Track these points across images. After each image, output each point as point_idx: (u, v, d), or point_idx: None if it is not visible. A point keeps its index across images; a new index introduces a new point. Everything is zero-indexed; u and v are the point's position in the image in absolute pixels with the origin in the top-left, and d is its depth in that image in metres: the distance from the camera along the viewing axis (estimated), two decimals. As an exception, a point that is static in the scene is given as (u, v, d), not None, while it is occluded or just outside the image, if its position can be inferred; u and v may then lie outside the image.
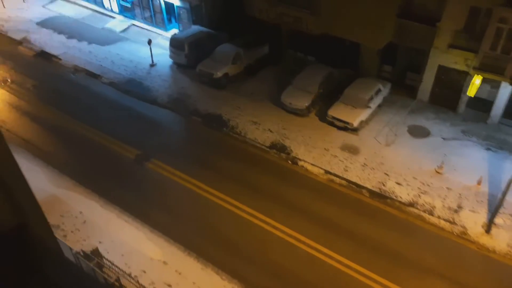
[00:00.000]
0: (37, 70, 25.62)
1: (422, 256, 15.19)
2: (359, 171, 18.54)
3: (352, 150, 19.71)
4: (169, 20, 28.85)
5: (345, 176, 18.35)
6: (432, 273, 14.62)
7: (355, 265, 14.91)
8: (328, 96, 21.93)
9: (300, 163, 19.15)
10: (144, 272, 14.98)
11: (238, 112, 22.05)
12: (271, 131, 20.82)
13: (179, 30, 28.10)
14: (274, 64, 25.35)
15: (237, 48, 24.55)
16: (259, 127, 21.10)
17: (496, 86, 20.01)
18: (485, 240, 15.60)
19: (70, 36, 28.65)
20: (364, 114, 20.63)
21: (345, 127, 20.55)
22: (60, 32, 29.08)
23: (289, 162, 19.31)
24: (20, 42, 28.02)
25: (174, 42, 25.24)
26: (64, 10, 31.84)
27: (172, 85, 24.33)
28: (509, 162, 18.62)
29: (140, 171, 18.99)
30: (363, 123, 20.71)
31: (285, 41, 25.56)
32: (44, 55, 26.91)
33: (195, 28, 26.35)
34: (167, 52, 25.87)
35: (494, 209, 15.81)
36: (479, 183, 17.73)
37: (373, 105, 21.14)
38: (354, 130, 20.50)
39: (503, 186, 15.56)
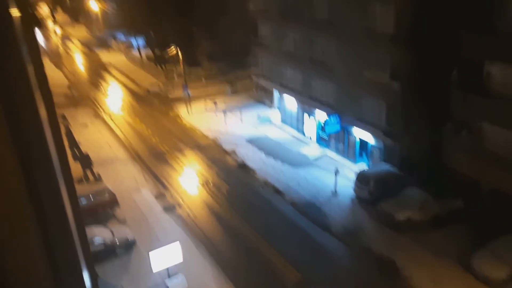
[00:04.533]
0: (234, 179, 29.14)
1: None
2: None
3: None
4: (360, 155, 29.79)
5: None
6: None
7: None
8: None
9: None
10: None
11: (416, 264, 20.03)
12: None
13: (368, 166, 28.61)
14: (468, 221, 22.72)
15: (426, 194, 23.32)
16: (437, 287, 18.62)
17: None
18: None
19: (268, 154, 32.18)
20: None
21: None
22: (261, 150, 33.01)
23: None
24: (228, 153, 32.77)
25: (361, 177, 25.63)
26: (270, 132, 36.41)
27: (349, 217, 24.19)
28: None
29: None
30: None
31: (484, 199, 23.07)
32: (243, 167, 30.65)
33: (384, 166, 26.44)
34: (351, 184, 26.33)
35: None
36: None
37: None
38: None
39: None
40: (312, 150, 32.64)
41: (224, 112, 38.86)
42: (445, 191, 23.90)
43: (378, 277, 19.58)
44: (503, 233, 20.12)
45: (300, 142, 34.23)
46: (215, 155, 32.67)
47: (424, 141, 26.04)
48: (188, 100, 41.60)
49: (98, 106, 44.72)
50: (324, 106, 31.41)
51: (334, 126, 30.10)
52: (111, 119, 40.83)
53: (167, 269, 17.96)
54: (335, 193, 26.49)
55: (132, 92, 48.84)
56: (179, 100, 43.86)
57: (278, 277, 19.81)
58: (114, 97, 47.65)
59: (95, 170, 28.88)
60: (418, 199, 23.06)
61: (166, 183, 28.79)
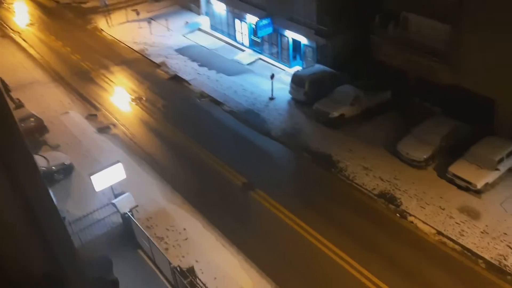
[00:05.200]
0: (168, 92, 28.24)
1: None
2: (477, 238, 16.62)
3: (472, 213, 17.80)
4: (294, 57, 29.77)
5: (460, 241, 16.58)
6: None
7: None
8: (450, 151, 20.29)
9: (410, 218, 17.85)
10: (233, 299, 15.09)
11: (349, 155, 21.53)
12: (381, 180, 19.86)
13: (302, 67, 28.78)
14: (395, 111, 24.37)
15: (357, 90, 24.24)
16: (369, 173, 20.29)
17: None
18: None
19: (201, 64, 31.16)
20: (491, 176, 18.61)
21: (467, 188, 18.70)
22: (193, 60, 31.80)
23: (397, 215, 18.12)
24: (158, 66, 31.27)
25: (296, 79, 25.87)
26: (200, 40, 34.88)
27: (287, 120, 24.83)
28: None
29: (244, 199, 19.48)
30: (488, 186, 18.65)
31: (410, 89, 24.52)
32: (176, 79, 29.60)
33: (318, 66, 26.74)
34: (288, 87, 26.61)
35: None
36: None
37: (503, 167, 18.97)
38: (477, 192, 18.55)
39: None
40: (246, 56, 32.01)
41: (149, 21, 36.27)
42: (375, 84, 25.00)
43: (317, 171, 20.85)
44: (425, 118, 21.83)
45: (233, 49, 33.31)
46: (145, 69, 31.08)
47: (354, 37, 26.42)
48: (106, 10, 38.07)
49: (3, 23, 39.73)
50: (254, 8, 30.25)
51: (266, 28, 29.38)
52: (21, 37, 36.66)
53: (113, 189, 17.71)
54: (272, 97, 26.72)
55: (39, 5, 43.61)
56: (95, 11, 40.07)
57: (224, 183, 20.41)
58: (20, 13, 42.36)
59: (13, 95, 26.49)
60: (350, 95, 23.96)
61: (95, 103, 27.27)
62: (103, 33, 36.84)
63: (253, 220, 18.36)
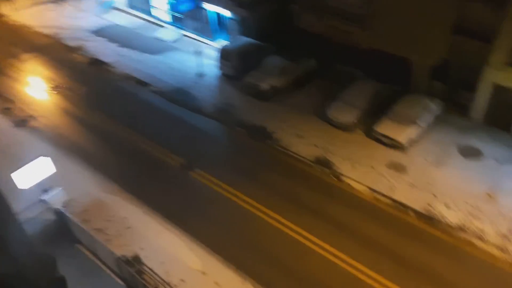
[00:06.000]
0: (89, 77, 26.67)
1: (470, 284, 14.36)
2: (406, 191, 17.91)
3: (399, 168, 19.09)
4: (219, 32, 29.31)
5: (391, 195, 17.76)
6: (482, 304, 13.82)
7: (398, 289, 14.34)
8: (376, 112, 21.42)
9: (345, 179, 18.75)
10: (183, 281, 15.07)
11: (283, 125, 21.94)
12: (315, 146, 20.55)
13: (228, 41, 28.47)
14: (322, 78, 25.11)
15: (285, 60, 24.54)
16: (304, 141, 20.89)
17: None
18: (542, 272, 14.60)
19: (122, 45, 29.68)
20: (413, 132, 19.98)
21: (393, 145, 19.95)
22: (113, 41, 30.18)
23: (333, 178, 18.95)
24: (75, 50, 29.31)
25: (223, 53, 25.57)
26: (118, 19, 33.09)
27: (218, 96, 24.61)
28: None
29: (183, 180, 19.24)
30: (411, 141, 20.04)
31: (333, 55, 25.28)
32: (97, 63, 28.00)
33: (244, 39, 26.60)
34: (215, 62, 26.25)
35: (554, 239, 14.79)
36: (536, 210, 16.66)
37: (423, 123, 20.42)
38: (402, 148, 19.86)
39: None
40: (168, 33, 30.96)
41: (58, 2, 33.64)
42: (300, 53, 25.48)
43: (254, 144, 21.06)
44: (350, 83, 22.75)
45: (154, 26, 32.04)
46: (60, 54, 28.97)
47: (276, 8, 26.51)
48: (8, -7, 34.73)
49: None
50: (171, -17, 29.19)
51: (187, 3, 28.56)
52: None
53: (42, 185, 16.63)
54: (200, 74, 26.25)
55: None
56: (-5, -6, 36.38)
57: (161, 166, 19.97)
58: None
59: None
60: (279, 66, 24.23)
61: (8, 96, 25.09)
62: (7, 18, 33.63)
63: (195, 199, 18.25)
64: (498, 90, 20.19)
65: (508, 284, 14.46)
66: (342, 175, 18.92)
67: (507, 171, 18.52)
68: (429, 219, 16.76)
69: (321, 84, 24.77)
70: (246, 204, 17.84)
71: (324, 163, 19.54)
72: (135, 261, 15.41)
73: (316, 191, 18.27)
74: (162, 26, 31.82)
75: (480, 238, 15.82)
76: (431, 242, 15.94)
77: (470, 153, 19.70)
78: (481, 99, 20.88)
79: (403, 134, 19.78)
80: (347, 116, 21.22)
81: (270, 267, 15.36)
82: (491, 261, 15.18)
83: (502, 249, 15.39)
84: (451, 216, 16.68)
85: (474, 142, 20.22)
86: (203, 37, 29.80)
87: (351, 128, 21.29)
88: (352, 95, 21.93)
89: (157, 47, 29.38)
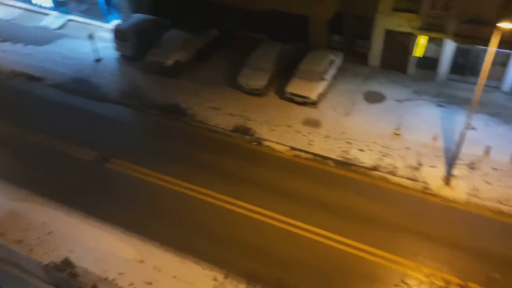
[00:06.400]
0: (-29, 80, 23.85)
1: (391, 215, 15.75)
2: (322, 143, 18.82)
3: (314, 123, 19.93)
4: (109, 11, 27.56)
5: (310, 150, 18.56)
6: (402, 230, 15.22)
7: (330, 234, 15.23)
8: (284, 73, 21.92)
9: (265, 143, 19.15)
10: (122, 274, 14.64)
11: (196, 100, 21.62)
12: (232, 115, 20.61)
13: (121, 20, 26.93)
14: (226, 47, 24.91)
15: (185, 33, 23.89)
16: (220, 112, 20.83)
17: (440, 44, 20.73)
18: (446, 192, 16.39)
19: (3, 39, 26.75)
20: (321, 87, 20.83)
21: (305, 102, 20.69)
22: (-10, 36, 27.12)
23: (254, 143, 19.26)
24: None
25: (118, 33, 24.19)
26: (-9, 11, 29.65)
27: (122, 79, 23.42)
28: (459, 115, 19.49)
29: (101, 173, 18.29)
30: (321, 96, 20.93)
31: (234, 22, 25.13)
32: (-24, 63, 25.04)
33: (138, 16, 25.31)
34: (112, 44, 24.79)
35: (451, 161, 16.62)
36: (434, 139, 18.49)
37: (329, 76, 21.36)
38: (314, 104, 20.69)
39: (456, 138, 16.33)
40: (53, 19, 28.46)
41: None
42: (201, 24, 24.97)
43: (170, 124, 20.57)
44: (255, 47, 22.90)
45: (36, 15, 29.20)
46: None
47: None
48: None
49: None
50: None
51: (68, -15, 26.34)
52: None
53: None
54: (98, 59, 24.68)
55: None
56: None
57: (75, 163, 18.73)
58: None
59: None
60: (180, 40, 23.56)
61: None
62: None
63: (116, 190, 17.51)
64: (390, 35, 21.69)
65: (420, 206, 16.07)
66: (262, 139, 19.30)
67: (407, 109, 20.24)
68: (346, 165, 17.86)
69: (226, 53, 24.63)
70: (171, 184, 17.53)
71: (244, 131, 19.73)
72: (66, 264, 14.60)
73: (240, 159, 18.49)
74: (45, 14, 29.11)
75: (393, 173, 17.27)
76: (351, 185, 17.07)
77: (374, 98, 21.13)
78: (376, 46, 22.31)
79: (313, 90, 20.55)
80: (257, 80, 21.46)
81: (208, 241, 15.43)
82: (404, 190, 16.71)
83: (412, 179, 16.98)
84: (365, 158, 17.95)
85: (376, 87, 21.70)
86: (93, 20, 27.86)
87: (264, 92, 21.62)
88: (258, 60, 22.13)
89: (44, 37, 26.94)
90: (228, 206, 16.55)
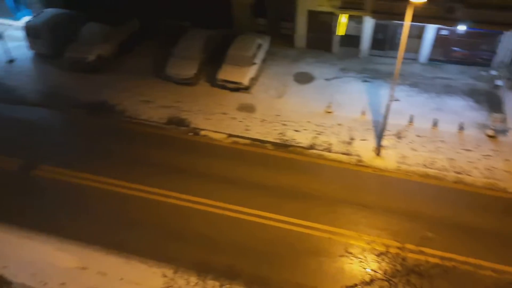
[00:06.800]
0: None
1: (330, 191, 16.30)
2: (259, 127, 18.97)
3: (249, 108, 20.00)
4: (17, 8, 25.45)
5: (247, 135, 18.64)
6: (342, 203, 15.83)
7: (275, 215, 15.46)
8: (213, 60, 21.69)
9: (202, 132, 18.92)
10: (64, 284, 13.89)
11: (125, 94, 20.78)
12: (165, 107, 20.08)
13: (32, 16, 24.98)
14: (151, 37, 24.07)
15: (104, 26, 22.72)
16: (152, 105, 20.21)
17: (360, 21, 21.61)
18: (377, 162, 17.29)
19: None
20: (251, 72, 20.89)
21: (237, 88, 20.66)
22: None
23: (191, 134, 18.95)
24: None
25: (30, 31, 22.47)
26: None
27: (40, 80, 21.88)
28: (384, 89, 20.53)
29: (28, 182, 17.04)
30: (253, 80, 21.01)
31: (156, 10, 24.28)
32: None
33: (50, 11, 23.62)
34: (25, 43, 22.98)
35: (380, 133, 17.54)
36: (363, 113, 19.38)
37: (258, 60, 21.47)
38: (246, 89, 20.74)
39: (383, 111, 17.20)
40: (-48, 19, 25.77)
41: None
42: (120, 16, 23.90)
43: (99, 123, 19.61)
44: (181, 36, 22.39)
45: None
46: None
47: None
48: None
49: None
50: None
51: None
52: None
53: None
54: (11, 60, 22.81)
55: None
56: None
57: (-4, 174, 17.32)
58: None
59: None
60: (99, 33, 22.43)
61: None
62: None
63: (48, 198, 16.42)
64: (313, 16, 22.21)
65: (356, 178, 16.84)
66: (198, 129, 19.04)
67: (336, 87, 20.97)
68: (284, 146, 18.19)
69: (151, 43, 23.86)
70: (105, 184, 16.73)
71: (178, 122, 19.33)
72: (0, 283, 13.56)
73: (177, 151, 18.12)
74: None
75: (328, 150, 17.89)
76: (291, 165, 17.41)
77: (304, 78, 21.62)
78: (300, 27, 22.76)
79: (244, 75, 20.55)
80: (187, 70, 21.04)
81: (152, 238, 15.03)
82: (340, 165, 17.38)
83: (346, 153, 17.70)
84: (302, 138, 18.39)
85: (305, 67, 22.21)
86: (0, 18, 25.61)
87: (194, 81, 21.27)
88: (185, 48, 21.67)
89: None
90: (170, 200, 16.19)
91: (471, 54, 21.72)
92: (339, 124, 18.97)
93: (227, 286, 13.63)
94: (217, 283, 13.70)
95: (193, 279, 13.84)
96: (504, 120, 18.55)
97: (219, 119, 19.43)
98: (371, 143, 18.03)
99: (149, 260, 14.40)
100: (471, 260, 13.86)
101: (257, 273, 13.87)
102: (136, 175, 17.05)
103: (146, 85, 21.29)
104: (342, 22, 21.08)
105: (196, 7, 23.11)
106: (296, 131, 18.74)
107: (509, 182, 16.22)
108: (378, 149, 17.61)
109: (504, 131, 18.14)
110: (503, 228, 14.83)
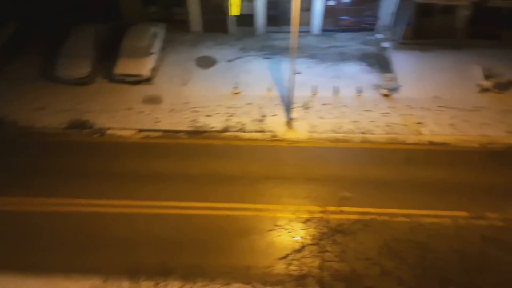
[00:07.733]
0: None
1: (250, 170, 16.48)
2: (169, 118, 18.47)
3: (155, 100, 19.33)
4: None
5: (158, 128, 18.07)
6: (263, 179, 16.11)
7: (200, 204, 15.33)
8: (107, 55, 20.50)
9: (108, 132, 17.92)
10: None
11: (14, 104, 18.87)
12: (63, 111, 18.61)
13: None
14: (33, 39, 21.95)
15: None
16: (47, 111, 18.61)
17: (252, 0, 21.82)
18: (290, 135, 17.88)
19: None
20: (150, 62, 20.14)
21: (138, 81, 19.84)
22: None
23: (96, 135, 17.85)
24: None
25: None
26: None
27: None
28: (285, 63, 21.07)
29: None
30: (154, 71, 20.30)
31: (33, 9, 22.14)
32: None
33: None
34: None
35: (288, 107, 18.11)
36: (269, 90, 19.81)
37: (156, 50, 20.75)
38: (148, 80, 19.98)
39: (287, 85, 17.74)
40: None
41: None
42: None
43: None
44: (68, 34, 20.89)
45: None
46: None
47: None
48: None
49: None
50: None
51: None
52: None
53: None
54: None
55: None
56: None
57: None
58: None
59: None
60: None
61: None
62: None
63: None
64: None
65: (272, 153, 17.22)
66: (103, 129, 18.00)
67: (239, 67, 21.09)
68: (198, 133, 17.98)
69: (35, 46, 21.81)
70: (5, 205, 15.24)
71: (81, 125, 18.09)
72: None
73: (83, 156, 16.96)
74: None
75: (242, 130, 18.05)
76: (208, 151, 17.27)
77: (206, 62, 21.40)
78: (193, 10, 22.37)
79: (143, 67, 19.76)
80: (79, 69, 19.67)
81: (73, 251, 14.08)
82: (256, 143, 17.62)
83: (260, 131, 18.01)
84: (215, 122, 18.31)
85: (205, 51, 21.96)
86: None
87: (90, 80, 19.99)
88: (74, 47, 20.21)
89: None
90: (83, 209, 15.16)
91: (357, 21, 23.12)
92: (249, 104, 19.18)
93: (162, 283, 13.34)
94: (151, 283, 13.36)
95: (126, 284, 13.32)
96: (394, 79, 20.17)
97: (124, 116, 18.53)
98: (282, 117, 18.54)
99: (73, 274, 13.50)
100: (385, 210, 15.07)
101: (192, 263, 13.74)
102: (38, 187, 15.68)
103: (36, 91, 19.50)
104: (234, 2, 21.07)
105: (77, 2, 21.52)
106: (208, 116, 18.59)
107: (407, 134, 17.81)
108: (289, 122, 18.18)
109: (395, 89, 19.75)
110: (405, 176, 16.26)
